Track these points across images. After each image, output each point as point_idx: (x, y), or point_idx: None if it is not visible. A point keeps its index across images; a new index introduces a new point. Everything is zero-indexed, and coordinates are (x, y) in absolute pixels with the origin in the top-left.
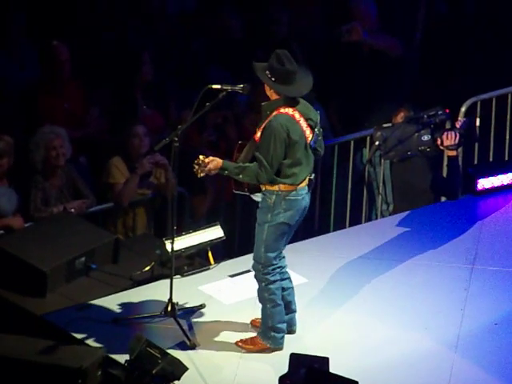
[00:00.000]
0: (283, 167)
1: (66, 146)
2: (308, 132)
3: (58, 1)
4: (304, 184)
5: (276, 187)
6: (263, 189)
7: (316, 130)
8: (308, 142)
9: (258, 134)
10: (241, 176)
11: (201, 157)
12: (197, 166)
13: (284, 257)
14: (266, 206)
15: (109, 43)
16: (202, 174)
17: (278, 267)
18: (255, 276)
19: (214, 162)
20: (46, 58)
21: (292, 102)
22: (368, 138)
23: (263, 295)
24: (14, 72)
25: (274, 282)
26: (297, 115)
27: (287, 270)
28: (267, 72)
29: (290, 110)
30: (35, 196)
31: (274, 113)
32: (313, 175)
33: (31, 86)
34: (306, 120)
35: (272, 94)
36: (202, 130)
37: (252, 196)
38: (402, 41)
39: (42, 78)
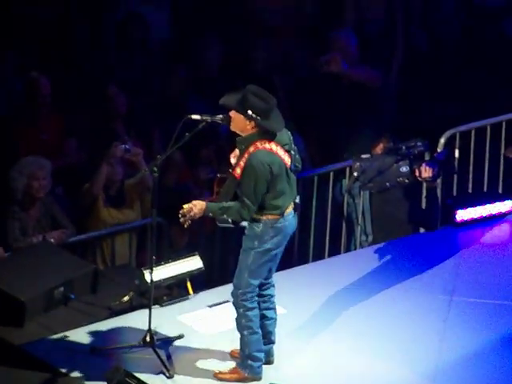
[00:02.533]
0: (267, 200)
1: (48, 178)
2: (286, 158)
3: (40, 33)
4: (290, 209)
5: (264, 217)
6: (241, 221)
7: (292, 151)
8: (288, 166)
9: (238, 171)
10: (225, 216)
11: (185, 206)
12: (182, 218)
13: (273, 285)
14: (252, 234)
15: (87, 74)
16: (188, 223)
17: (256, 294)
18: (233, 302)
19: (197, 206)
20: (26, 89)
21: (266, 134)
22: (347, 169)
23: (241, 321)
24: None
25: (253, 308)
26: (273, 147)
27: (275, 300)
28: (250, 112)
29: (266, 144)
30: (13, 226)
31: (251, 148)
32: (297, 198)
33: (10, 117)
34: (282, 147)
35: (246, 128)
36: (193, 166)
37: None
38: (380, 72)
39: (21, 109)
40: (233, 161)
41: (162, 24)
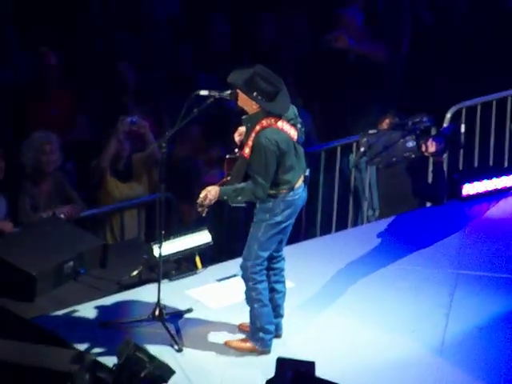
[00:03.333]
0: (278, 176)
1: (57, 153)
2: (293, 132)
3: (48, 9)
4: (300, 183)
5: (275, 192)
6: (256, 200)
7: (298, 124)
8: (295, 140)
9: (247, 151)
10: (240, 198)
11: (201, 196)
12: (200, 208)
13: (284, 259)
14: (264, 207)
15: (98, 51)
16: (206, 210)
17: (265, 267)
18: (242, 275)
19: (212, 192)
20: (35, 64)
21: (272, 113)
22: (354, 144)
23: (250, 295)
24: (6, 79)
25: (262, 281)
26: (280, 123)
27: (284, 274)
28: (255, 93)
29: (272, 121)
30: (24, 201)
31: (258, 127)
32: (307, 170)
33: (20, 91)
34: (288, 121)
35: (251, 108)
36: (209, 143)
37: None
38: (387, 47)
39: (30, 84)
40: (237, 139)
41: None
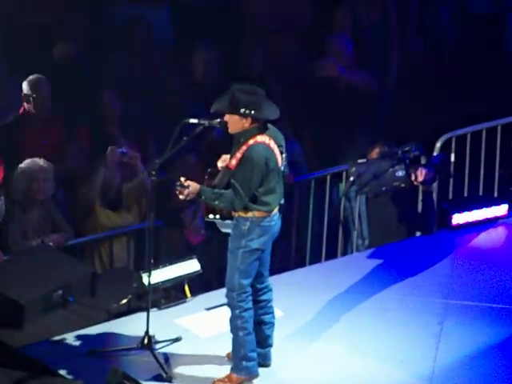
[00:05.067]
0: (258, 195)
1: (50, 182)
2: (279, 158)
3: (39, 36)
4: (276, 210)
5: (250, 214)
6: (236, 215)
7: (284, 154)
8: (279, 167)
9: (233, 162)
10: (216, 202)
11: (182, 178)
12: (179, 188)
13: (270, 290)
14: (239, 233)
15: (87, 79)
16: (181, 197)
17: (250, 294)
18: (228, 304)
19: (192, 187)
20: (27, 92)
21: (265, 129)
22: (344, 173)
23: (236, 323)
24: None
25: (248, 309)
26: (272, 143)
27: (272, 304)
28: (242, 110)
29: (266, 139)
30: (13, 229)
31: (251, 141)
32: (282, 200)
33: (12, 121)
34: (278, 147)
35: (243, 126)
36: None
37: (220, 227)
38: (377, 77)
39: (22, 113)
40: (220, 164)
41: (163, 28)
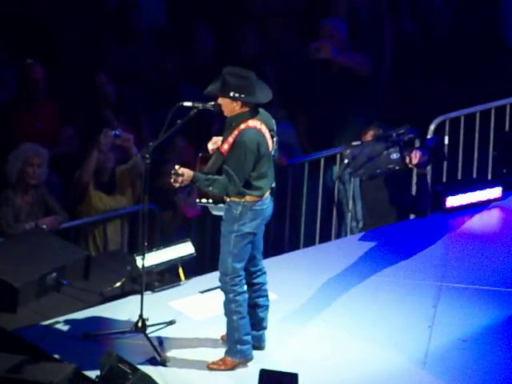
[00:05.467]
0: (251, 180)
1: (44, 167)
2: (270, 143)
3: (33, 21)
4: (267, 193)
5: (242, 198)
6: (227, 200)
7: (275, 138)
8: (270, 151)
9: (225, 147)
10: (210, 188)
11: (176, 166)
12: (174, 176)
13: (265, 273)
14: (231, 217)
15: (81, 63)
16: (176, 185)
17: (243, 277)
18: (222, 288)
19: (185, 174)
20: (21, 76)
21: (256, 113)
22: (338, 155)
23: (230, 307)
24: None
25: (242, 293)
26: (263, 128)
27: (267, 287)
28: (232, 93)
29: (257, 123)
30: (6, 212)
31: (242, 126)
32: (274, 183)
33: (5, 104)
34: (270, 131)
35: (234, 109)
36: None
37: (212, 210)
38: (371, 59)
39: (16, 96)
40: (210, 147)
41: (157, 11)
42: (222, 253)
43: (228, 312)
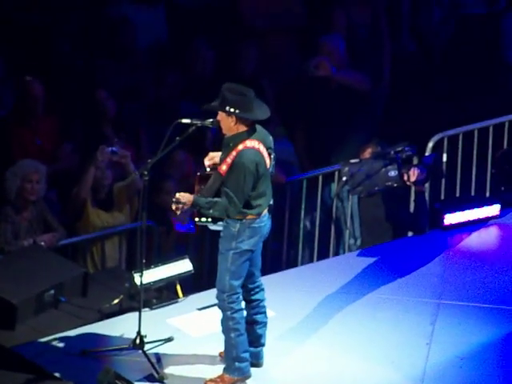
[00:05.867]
0: (250, 199)
1: (42, 183)
2: (268, 160)
3: (32, 37)
4: (266, 211)
5: (241, 216)
6: (225, 217)
7: (272, 155)
8: (268, 169)
9: (224, 168)
10: (211, 211)
11: (177, 194)
12: (175, 204)
13: (263, 290)
14: (229, 235)
15: (80, 79)
16: (178, 212)
17: (241, 295)
18: (219, 306)
19: (185, 198)
20: (20, 93)
21: (253, 132)
22: (336, 173)
23: (227, 324)
24: None
25: (239, 310)
26: (261, 147)
27: (265, 304)
28: (227, 108)
29: (255, 143)
30: (5, 229)
31: (240, 146)
32: (271, 200)
33: (4, 120)
34: (267, 149)
35: (232, 128)
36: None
37: (209, 226)
38: (370, 77)
39: (15, 112)
40: (207, 163)
41: (158, 27)
42: (220, 270)
43: (226, 329)
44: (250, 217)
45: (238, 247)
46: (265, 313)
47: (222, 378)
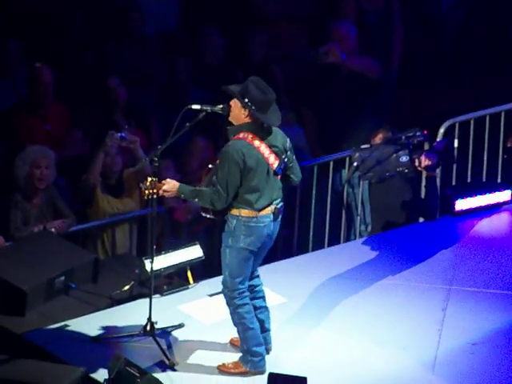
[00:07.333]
0: (240, 193)
1: (51, 169)
2: (272, 159)
3: (42, 25)
4: (267, 212)
5: (237, 212)
6: (227, 213)
7: (284, 156)
8: (273, 168)
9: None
10: (196, 200)
11: (149, 178)
12: (145, 190)
13: (258, 276)
14: (228, 230)
15: (90, 66)
16: (151, 197)
17: (244, 290)
18: (225, 300)
19: (170, 184)
20: (30, 79)
21: (256, 129)
22: (347, 158)
23: (233, 318)
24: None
25: (242, 305)
26: (256, 142)
27: (262, 288)
28: (246, 100)
29: (249, 136)
30: (15, 215)
31: (233, 138)
32: (280, 204)
33: (14, 107)
34: (270, 147)
35: (240, 119)
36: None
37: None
38: (380, 63)
39: (25, 99)
40: None
41: (168, 14)
42: (222, 265)
43: (234, 323)
44: (244, 213)
45: (233, 244)
46: (263, 297)
47: (235, 365)
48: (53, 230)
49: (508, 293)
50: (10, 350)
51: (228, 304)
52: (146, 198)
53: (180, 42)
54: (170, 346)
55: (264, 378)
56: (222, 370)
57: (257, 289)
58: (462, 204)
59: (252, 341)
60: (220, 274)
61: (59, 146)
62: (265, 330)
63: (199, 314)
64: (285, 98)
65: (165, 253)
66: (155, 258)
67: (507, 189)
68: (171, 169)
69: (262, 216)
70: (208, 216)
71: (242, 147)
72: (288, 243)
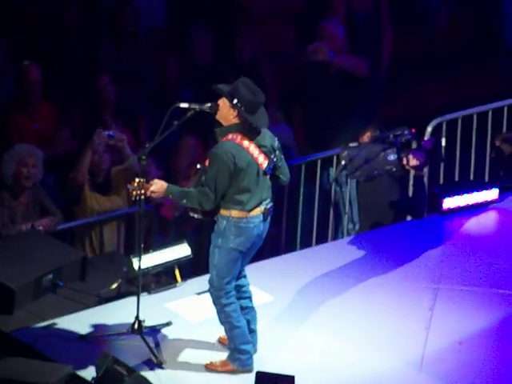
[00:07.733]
0: (230, 194)
1: (38, 167)
2: (262, 159)
3: (30, 22)
4: (257, 212)
5: (227, 212)
6: (216, 214)
7: (273, 156)
8: (263, 168)
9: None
10: (184, 201)
11: (137, 179)
12: (133, 191)
13: (245, 276)
14: (217, 231)
15: (79, 64)
16: (139, 197)
17: (231, 290)
18: (212, 300)
19: (157, 185)
20: (18, 77)
21: (244, 129)
22: (335, 157)
23: (220, 317)
24: None
25: (229, 304)
26: (245, 142)
27: (249, 288)
28: (235, 100)
29: (238, 137)
30: (2, 213)
31: (222, 139)
32: (270, 204)
33: (2, 105)
34: (259, 147)
35: (228, 119)
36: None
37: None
38: (369, 61)
39: (13, 97)
40: None
41: (156, 11)
42: (209, 265)
43: (221, 322)
44: (234, 214)
45: (223, 244)
46: (249, 297)
47: (223, 363)
48: (40, 228)
49: (495, 291)
50: None
51: (214, 303)
52: (133, 199)
53: (169, 41)
54: (157, 345)
55: (252, 376)
56: (210, 368)
57: (243, 289)
58: (449, 202)
59: (239, 339)
60: (208, 272)
61: (47, 143)
62: (251, 330)
63: (187, 313)
64: (273, 96)
65: (153, 251)
66: (143, 257)
67: (494, 187)
68: (152, 165)
69: (252, 217)
70: (196, 216)
71: (231, 148)
72: (276, 241)
